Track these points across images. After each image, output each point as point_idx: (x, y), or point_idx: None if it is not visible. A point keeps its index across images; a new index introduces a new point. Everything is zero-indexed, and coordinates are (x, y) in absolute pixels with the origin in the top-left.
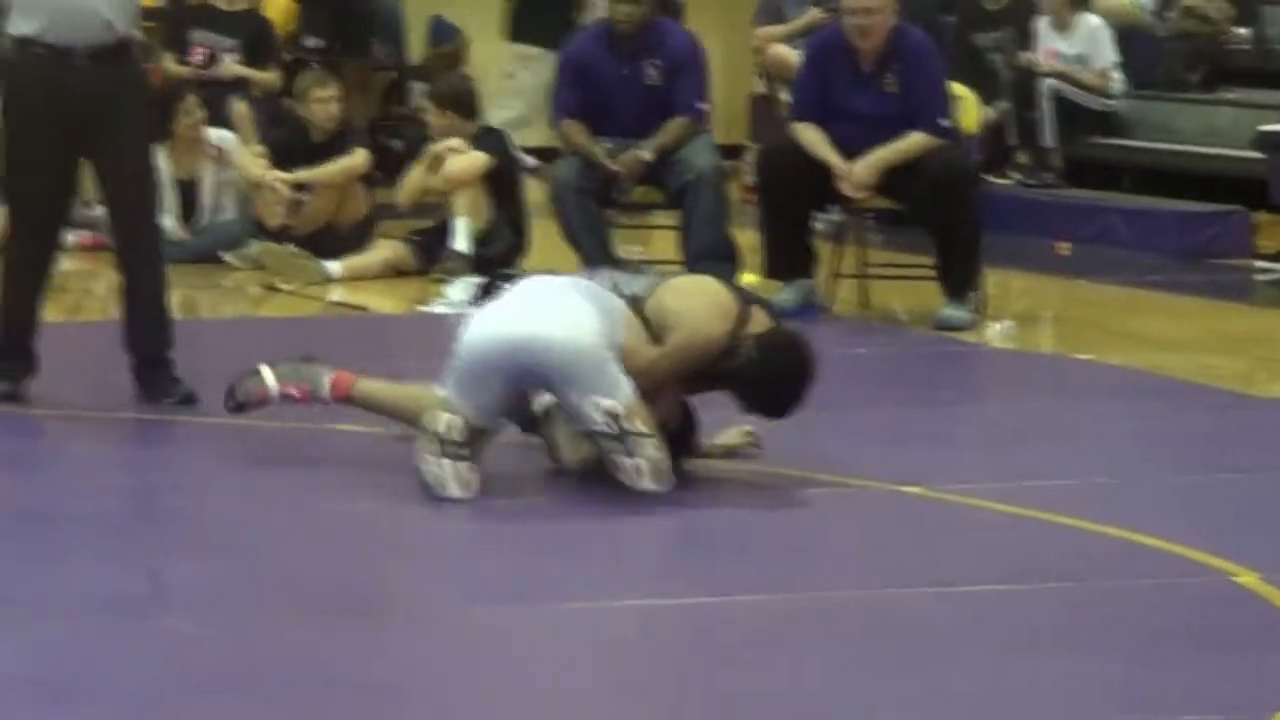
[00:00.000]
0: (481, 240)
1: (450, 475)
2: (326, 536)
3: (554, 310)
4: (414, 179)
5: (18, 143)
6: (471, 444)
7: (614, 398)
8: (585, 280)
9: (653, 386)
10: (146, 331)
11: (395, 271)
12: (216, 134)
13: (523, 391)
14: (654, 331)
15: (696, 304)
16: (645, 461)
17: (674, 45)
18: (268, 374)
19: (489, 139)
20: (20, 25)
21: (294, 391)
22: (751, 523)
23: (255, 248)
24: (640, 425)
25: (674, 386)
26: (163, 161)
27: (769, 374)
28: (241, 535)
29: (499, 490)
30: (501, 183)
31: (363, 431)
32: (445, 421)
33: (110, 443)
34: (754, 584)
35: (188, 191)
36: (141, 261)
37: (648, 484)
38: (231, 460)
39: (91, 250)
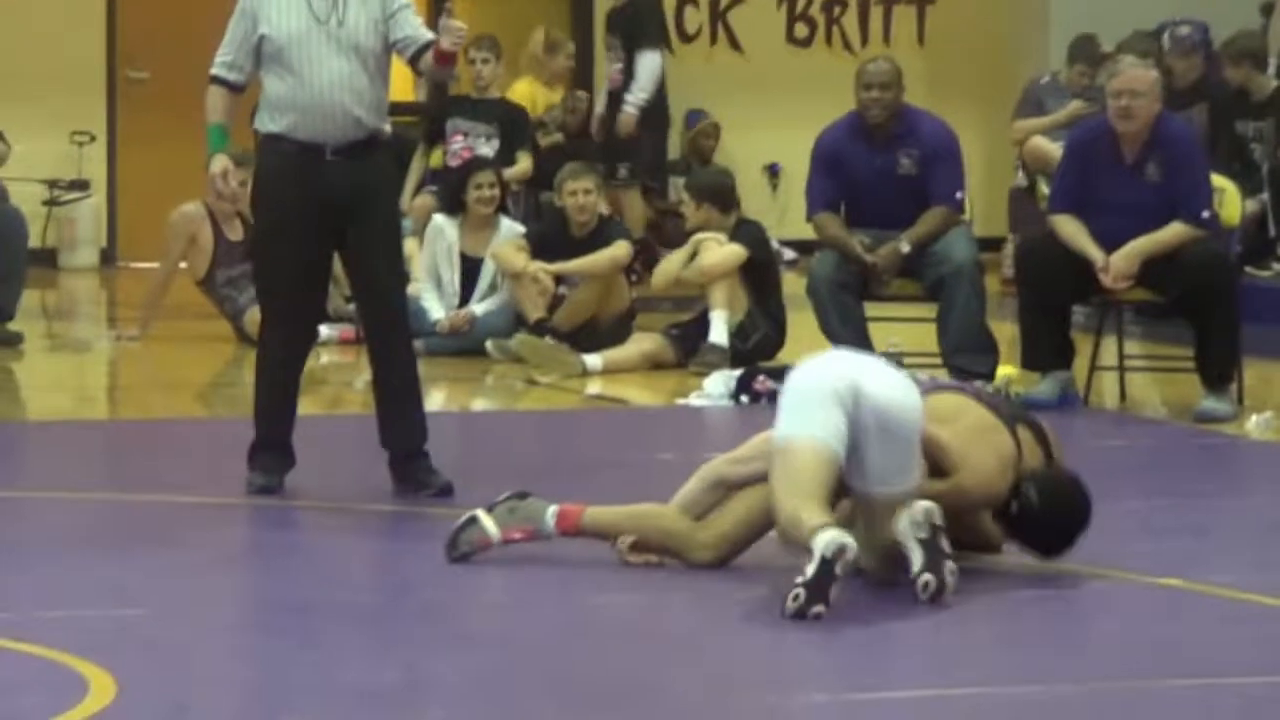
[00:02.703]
0: (737, 333)
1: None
2: (589, 629)
3: (886, 371)
4: (670, 267)
5: (270, 239)
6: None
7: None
8: None
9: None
10: (399, 425)
11: (653, 364)
12: (507, 223)
13: None
14: (927, 456)
15: (983, 454)
16: (935, 580)
17: (928, 134)
18: (487, 521)
19: (746, 231)
20: (269, 123)
21: (517, 535)
22: (1015, 614)
23: (515, 341)
24: (946, 544)
25: None
26: (453, 231)
27: (1050, 522)
28: (501, 628)
29: (759, 580)
30: (759, 275)
31: None
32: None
33: (367, 535)
34: (1022, 674)
35: (471, 267)
36: (391, 354)
37: (924, 599)
38: (488, 553)
39: (351, 344)
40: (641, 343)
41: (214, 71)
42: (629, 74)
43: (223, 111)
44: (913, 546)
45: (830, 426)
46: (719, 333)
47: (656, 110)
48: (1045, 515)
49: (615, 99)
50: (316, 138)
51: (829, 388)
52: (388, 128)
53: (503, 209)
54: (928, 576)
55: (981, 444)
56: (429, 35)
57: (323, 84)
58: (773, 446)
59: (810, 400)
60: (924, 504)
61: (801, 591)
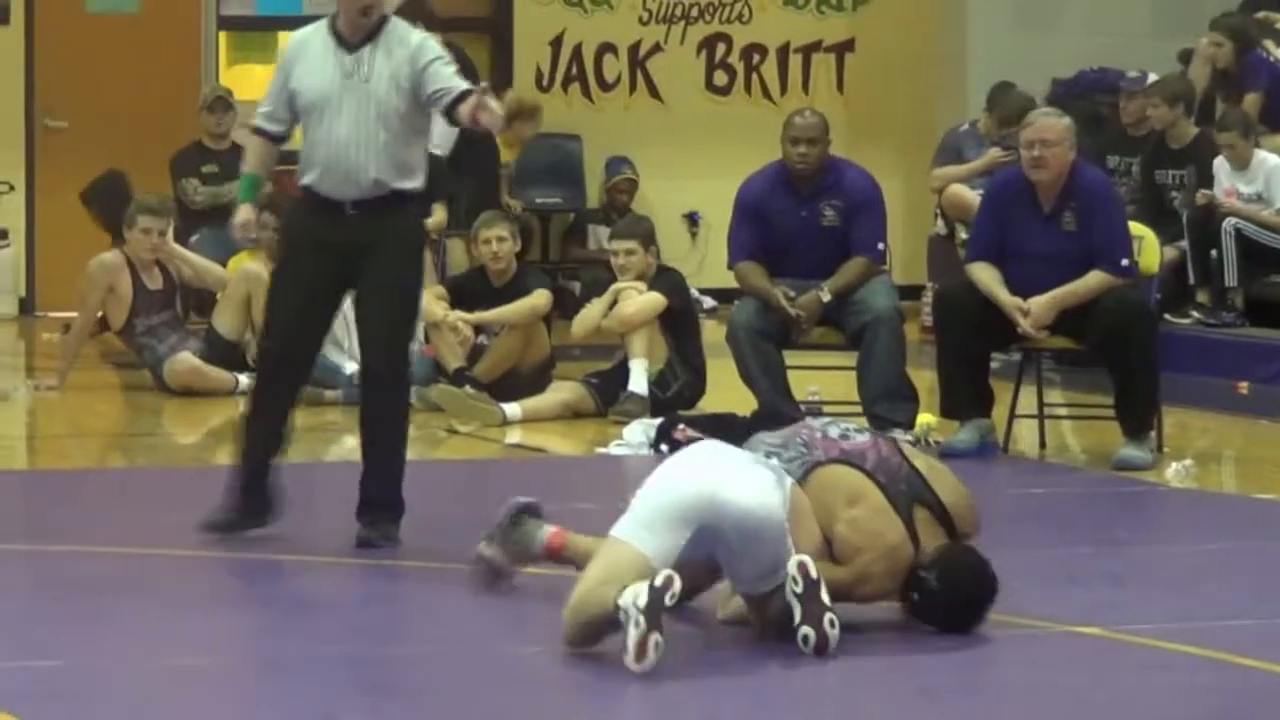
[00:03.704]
0: (658, 382)
1: (652, 649)
2: (502, 679)
3: (745, 476)
4: (590, 316)
5: (279, 281)
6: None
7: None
8: (757, 456)
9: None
10: (366, 473)
11: (573, 413)
12: None
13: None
14: (823, 527)
15: (883, 540)
16: (814, 634)
17: (852, 186)
18: (490, 552)
19: (666, 279)
20: (302, 175)
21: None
22: (934, 665)
23: (434, 391)
24: (826, 596)
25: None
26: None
27: (952, 603)
28: (419, 678)
29: (693, 625)
30: (679, 323)
31: (544, 573)
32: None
33: (286, 583)
34: None
35: None
36: (372, 405)
37: (806, 652)
38: (428, 602)
39: None
40: (561, 391)
41: (254, 122)
42: None
43: (256, 162)
44: (791, 600)
45: (662, 549)
46: (639, 381)
47: (475, 159)
48: (946, 598)
49: None
50: (335, 193)
51: (683, 506)
52: (414, 185)
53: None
54: (806, 630)
55: (877, 544)
56: (463, 85)
57: (341, 141)
58: (608, 538)
59: (658, 516)
60: (797, 559)
61: (640, 619)
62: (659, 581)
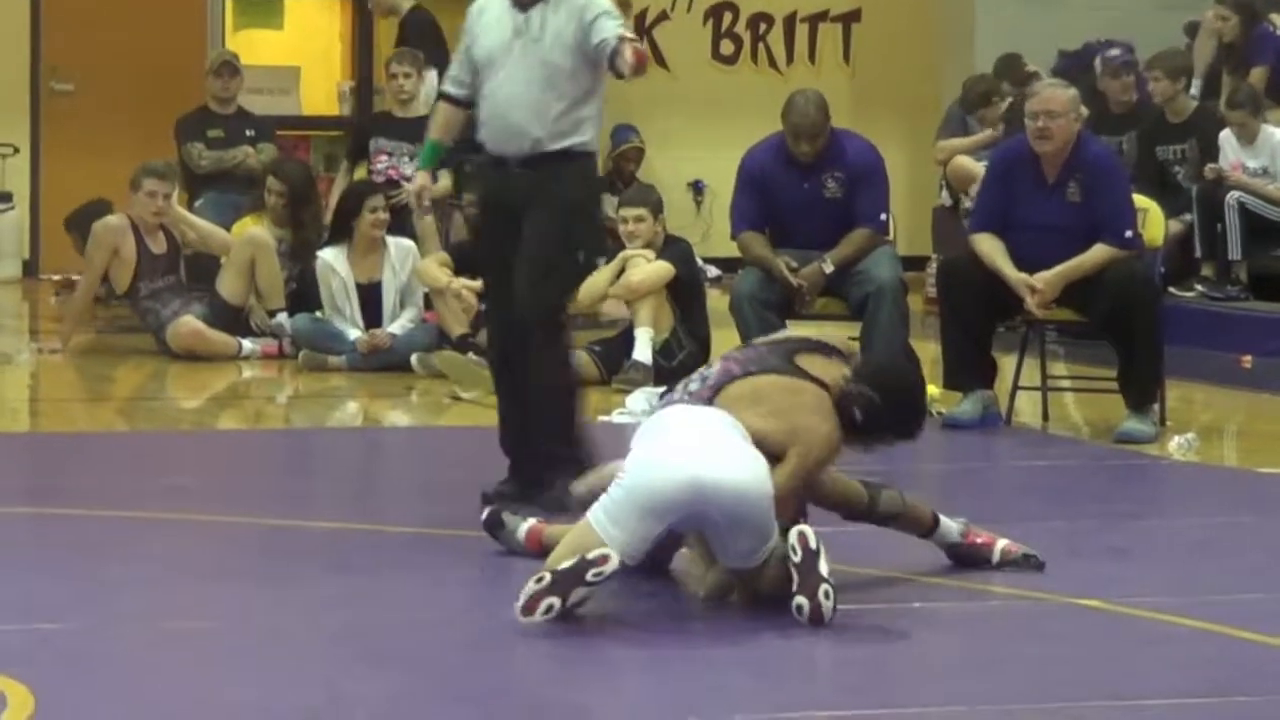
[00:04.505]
0: (662, 351)
1: (541, 611)
2: (503, 648)
3: (730, 451)
4: (597, 283)
5: (481, 240)
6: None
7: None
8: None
9: (788, 506)
10: (531, 423)
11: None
12: (394, 241)
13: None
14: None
15: (801, 417)
16: (808, 604)
17: (855, 157)
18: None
19: (674, 248)
20: (479, 132)
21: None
22: (930, 636)
23: (437, 357)
24: (825, 566)
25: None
26: (342, 265)
27: (896, 405)
28: (418, 646)
29: (653, 611)
30: (685, 293)
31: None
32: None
33: (286, 553)
34: (933, 697)
35: (369, 294)
36: (516, 360)
37: (801, 621)
38: (429, 569)
39: (274, 358)
40: None
41: (440, 87)
42: None
43: (439, 127)
44: (791, 570)
45: (630, 545)
46: (643, 350)
47: None
48: (889, 402)
49: None
50: (501, 151)
51: (664, 498)
52: (579, 142)
53: (390, 229)
54: (799, 599)
55: (794, 408)
56: (617, 35)
57: (505, 100)
58: (583, 522)
59: (632, 511)
60: (798, 529)
61: (546, 575)
62: (591, 555)
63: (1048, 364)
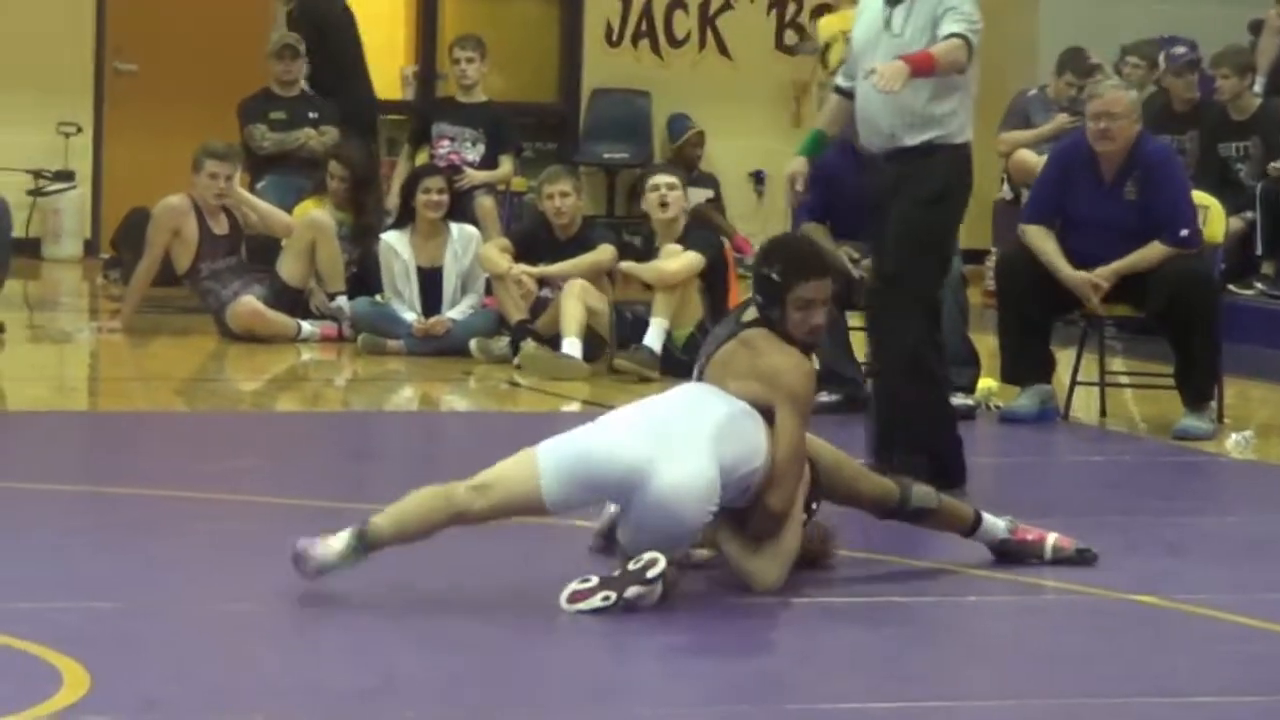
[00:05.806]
0: (686, 345)
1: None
2: (556, 631)
3: (686, 457)
4: (627, 265)
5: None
6: None
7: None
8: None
9: (803, 456)
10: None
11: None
12: (457, 226)
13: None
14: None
15: (760, 363)
16: (615, 596)
17: None
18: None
19: (702, 237)
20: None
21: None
22: (987, 628)
23: (521, 354)
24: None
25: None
26: (405, 248)
27: (788, 254)
28: (479, 628)
29: (704, 598)
30: (712, 284)
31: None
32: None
33: None
34: (986, 690)
35: (430, 279)
36: (882, 326)
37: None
38: (474, 551)
39: (333, 340)
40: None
41: (834, 80)
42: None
43: (824, 118)
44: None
45: (558, 501)
46: (655, 337)
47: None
48: (783, 254)
49: None
50: (868, 146)
51: (608, 478)
52: (942, 135)
53: (452, 214)
54: (608, 593)
55: (753, 358)
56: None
57: (865, 94)
58: (530, 451)
59: (576, 477)
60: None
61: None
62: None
63: (1106, 359)
